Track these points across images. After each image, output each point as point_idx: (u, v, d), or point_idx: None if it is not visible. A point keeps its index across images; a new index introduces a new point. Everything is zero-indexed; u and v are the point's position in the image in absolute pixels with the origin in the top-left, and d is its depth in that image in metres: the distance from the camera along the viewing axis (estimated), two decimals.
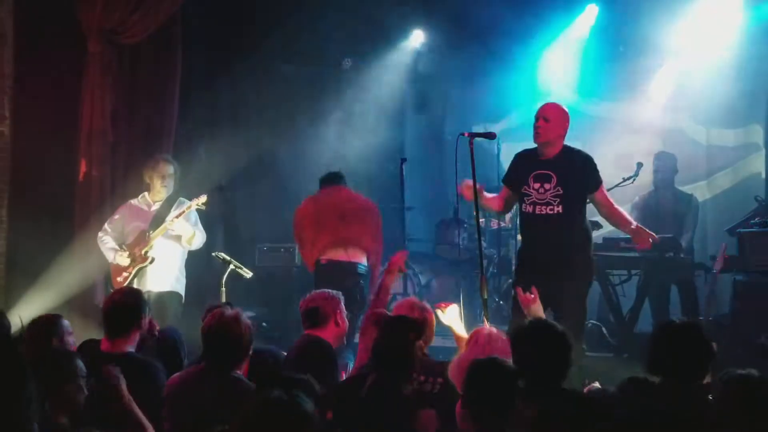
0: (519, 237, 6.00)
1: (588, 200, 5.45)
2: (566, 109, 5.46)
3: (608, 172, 8.77)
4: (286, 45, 8.89)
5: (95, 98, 7.30)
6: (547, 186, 5.23)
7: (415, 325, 3.91)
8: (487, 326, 4.20)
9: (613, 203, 5.54)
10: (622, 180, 7.46)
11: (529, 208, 5.30)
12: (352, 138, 9.04)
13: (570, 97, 9.69)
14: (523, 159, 5.46)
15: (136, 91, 7.73)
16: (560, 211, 5.21)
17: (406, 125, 10.35)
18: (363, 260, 6.45)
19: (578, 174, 5.29)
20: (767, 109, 8.36)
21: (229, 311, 3.92)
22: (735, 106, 8.73)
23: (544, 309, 5.30)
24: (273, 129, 8.79)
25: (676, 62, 8.94)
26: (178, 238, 6.60)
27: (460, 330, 4.71)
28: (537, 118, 5.34)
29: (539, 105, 5.49)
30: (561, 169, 5.25)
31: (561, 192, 5.21)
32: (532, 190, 5.28)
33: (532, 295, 4.55)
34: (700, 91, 8.77)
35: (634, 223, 5.45)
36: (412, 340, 3.77)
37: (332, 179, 6.70)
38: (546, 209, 5.24)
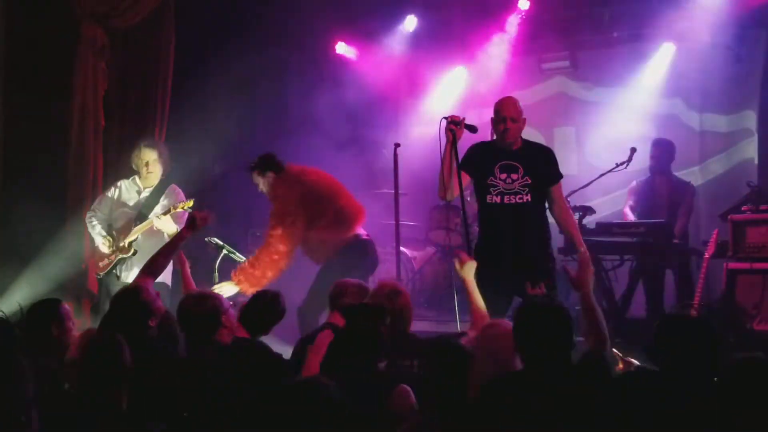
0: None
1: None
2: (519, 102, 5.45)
3: (601, 157, 8.84)
4: (279, 29, 8.86)
5: (87, 82, 7.27)
6: (514, 176, 5.25)
7: (376, 313, 3.82)
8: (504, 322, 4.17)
9: (568, 205, 5.48)
10: (615, 165, 7.44)
11: (497, 199, 5.29)
12: (346, 122, 9.02)
13: (564, 81, 9.71)
14: (485, 150, 5.42)
15: (128, 75, 7.71)
16: (529, 200, 5.25)
17: (400, 110, 10.33)
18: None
19: (542, 165, 5.34)
20: (760, 95, 8.35)
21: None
22: (728, 92, 8.73)
23: (512, 301, 5.24)
24: (265, 113, 8.76)
25: (670, 47, 8.93)
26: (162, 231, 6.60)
27: (473, 288, 4.60)
28: (504, 120, 5.29)
29: (498, 103, 5.41)
30: (527, 160, 5.29)
31: (529, 182, 5.24)
32: (498, 181, 5.28)
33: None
34: (694, 77, 8.76)
35: (584, 247, 5.21)
36: (374, 327, 3.68)
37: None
38: (515, 198, 5.25)
